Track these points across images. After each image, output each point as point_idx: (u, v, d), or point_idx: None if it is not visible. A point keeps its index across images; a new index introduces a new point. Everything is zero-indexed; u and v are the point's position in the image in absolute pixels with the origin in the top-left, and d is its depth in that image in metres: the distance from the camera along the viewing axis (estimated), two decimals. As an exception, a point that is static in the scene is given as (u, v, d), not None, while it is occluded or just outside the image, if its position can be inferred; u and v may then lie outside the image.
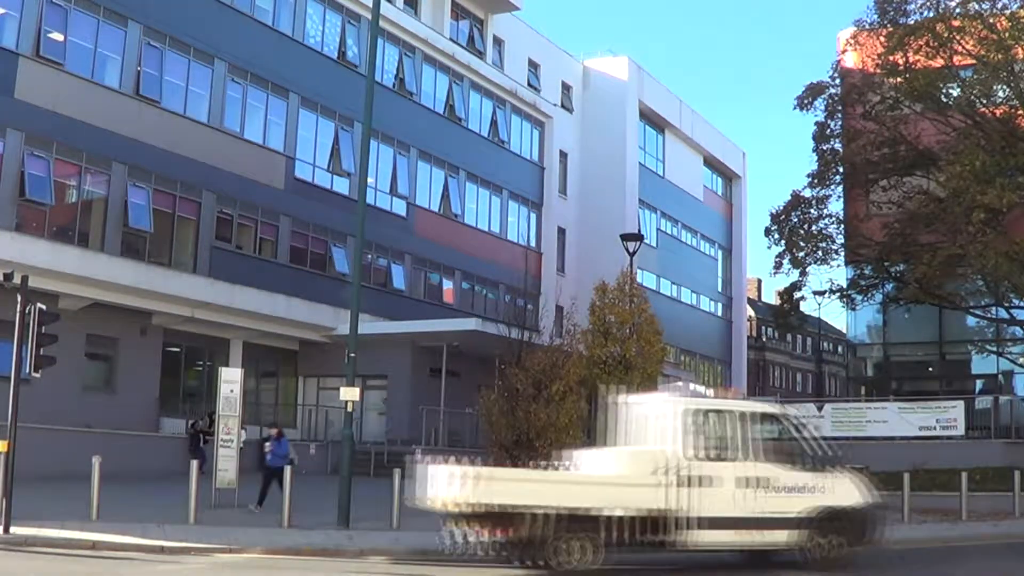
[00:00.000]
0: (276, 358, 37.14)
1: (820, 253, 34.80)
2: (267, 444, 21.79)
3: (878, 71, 32.68)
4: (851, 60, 35.35)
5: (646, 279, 48.92)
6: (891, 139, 33.41)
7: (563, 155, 49.89)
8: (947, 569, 16.52)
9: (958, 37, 30.57)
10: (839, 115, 35.25)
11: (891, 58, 31.45)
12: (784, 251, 34.84)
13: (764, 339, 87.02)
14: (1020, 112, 31.18)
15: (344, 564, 15.55)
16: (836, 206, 36.37)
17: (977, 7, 30.49)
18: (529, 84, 47.79)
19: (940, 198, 31.67)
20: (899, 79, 31.78)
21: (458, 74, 42.82)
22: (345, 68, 37.47)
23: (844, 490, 15.25)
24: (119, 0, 29.54)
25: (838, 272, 37.62)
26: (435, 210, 41.66)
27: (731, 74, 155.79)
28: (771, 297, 77.95)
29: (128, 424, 28.78)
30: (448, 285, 42.72)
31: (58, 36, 28.22)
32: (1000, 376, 39.25)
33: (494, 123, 44.95)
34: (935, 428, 29.39)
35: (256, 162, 34.11)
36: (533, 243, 47.14)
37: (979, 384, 40.88)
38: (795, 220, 35.07)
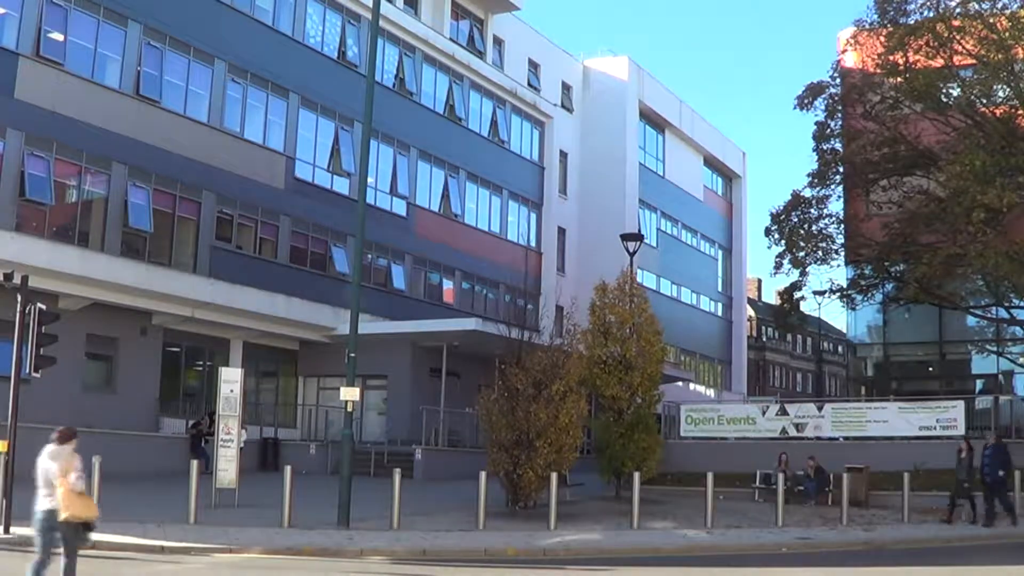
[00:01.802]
0: (276, 358, 37.12)
1: (820, 253, 34.74)
2: None
3: (878, 71, 32.63)
4: (851, 60, 35.30)
5: (646, 279, 48.94)
6: (891, 139, 33.35)
7: (563, 155, 49.88)
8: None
9: (958, 37, 30.51)
10: (839, 115, 35.19)
11: (891, 58, 31.41)
12: (784, 251, 34.79)
13: (764, 339, 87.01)
14: (1020, 112, 31.11)
15: (344, 564, 15.55)
16: (836, 206, 36.36)
17: (977, 7, 30.44)
18: (529, 84, 47.78)
19: (940, 198, 31.62)
20: (899, 79, 31.73)
21: (458, 74, 42.80)
22: (345, 68, 37.45)
23: None
24: (119, 0, 29.54)
25: (838, 272, 37.63)
26: (435, 210, 41.64)
27: (731, 74, 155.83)
28: (771, 297, 78.01)
29: (128, 424, 28.76)
30: (448, 285, 42.70)
31: (58, 36, 28.20)
32: (1000, 376, 39.24)
33: (494, 123, 44.93)
34: (935, 428, 29.27)
35: (256, 162, 34.10)
36: (533, 243, 47.12)
37: (979, 384, 40.87)
38: (795, 220, 35.01)
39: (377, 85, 29.62)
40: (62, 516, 10.54)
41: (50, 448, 10.91)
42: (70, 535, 10.67)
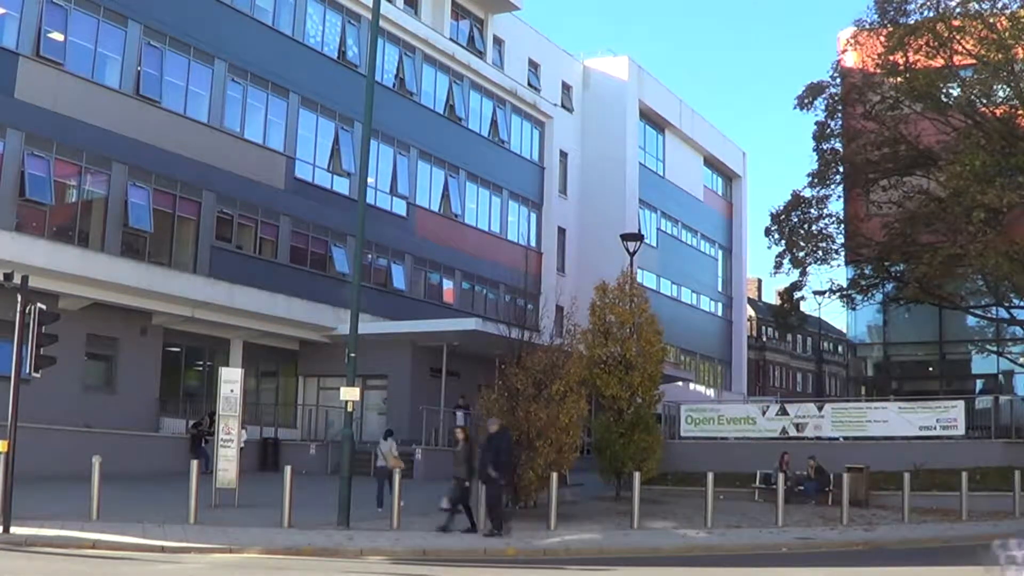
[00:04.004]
0: (276, 358, 37.12)
1: (820, 253, 34.76)
2: None
3: (878, 71, 32.64)
4: (851, 60, 35.30)
5: (646, 279, 48.93)
6: (891, 139, 33.35)
7: (563, 155, 49.88)
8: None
9: (958, 37, 30.53)
10: (839, 115, 35.18)
11: (891, 58, 31.42)
12: (784, 251, 34.79)
13: (764, 339, 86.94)
14: (1020, 112, 31.13)
15: (344, 564, 15.54)
16: (836, 206, 36.37)
17: (977, 7, 30.44)
18: (529, 84, 47.77)
19: (940, 198, 31.63)
20: (899, 79, 31.74)
21: (458, 74, 42.80)
22: (345, 68, 37.44)
23: None
24: (119, 0, 29.54)
25: (838, 272, 37.66)
26: (435, 210, 41.64)
27: (731, 74, 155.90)
28: (771, 297, 77.92)
29: (128, 424, 28.76)
30: (448, 285, 42.69)
31: (58, 36, 28.19)
32: (1000, 376, 39.23)
33: (494, 123, 44.92)
34: (935, 428, 29.26)
35: (256, 162, 34.09)
36: (533, 243, 47.12)
37: (979, 384, 40.85)
38: (795, 220, 35.02)
39: (377, 85, 29.59)
40: (394, 468, 20.46)
41: (382, 441, 22.23)
42: (393, 478, 19.83)
